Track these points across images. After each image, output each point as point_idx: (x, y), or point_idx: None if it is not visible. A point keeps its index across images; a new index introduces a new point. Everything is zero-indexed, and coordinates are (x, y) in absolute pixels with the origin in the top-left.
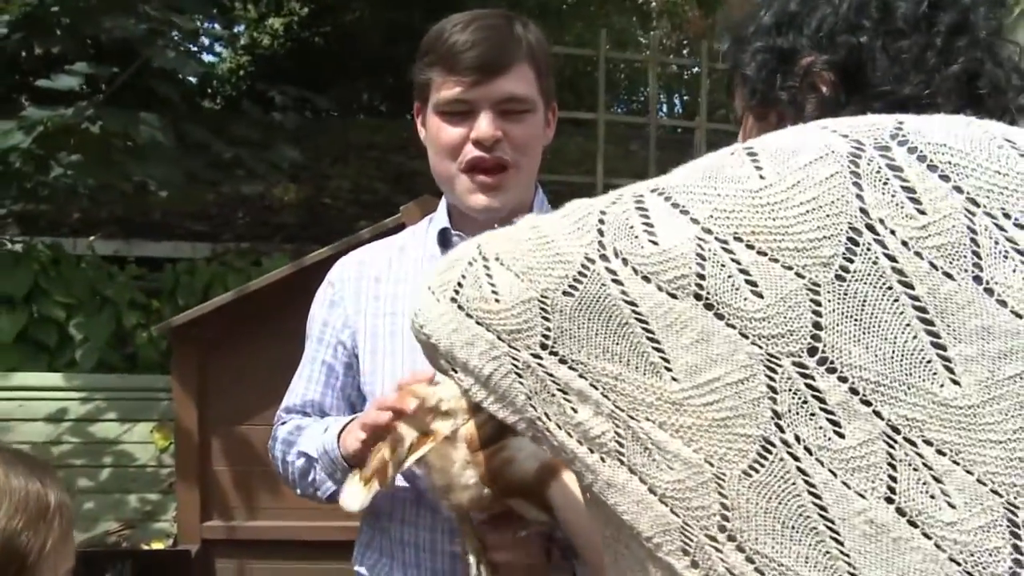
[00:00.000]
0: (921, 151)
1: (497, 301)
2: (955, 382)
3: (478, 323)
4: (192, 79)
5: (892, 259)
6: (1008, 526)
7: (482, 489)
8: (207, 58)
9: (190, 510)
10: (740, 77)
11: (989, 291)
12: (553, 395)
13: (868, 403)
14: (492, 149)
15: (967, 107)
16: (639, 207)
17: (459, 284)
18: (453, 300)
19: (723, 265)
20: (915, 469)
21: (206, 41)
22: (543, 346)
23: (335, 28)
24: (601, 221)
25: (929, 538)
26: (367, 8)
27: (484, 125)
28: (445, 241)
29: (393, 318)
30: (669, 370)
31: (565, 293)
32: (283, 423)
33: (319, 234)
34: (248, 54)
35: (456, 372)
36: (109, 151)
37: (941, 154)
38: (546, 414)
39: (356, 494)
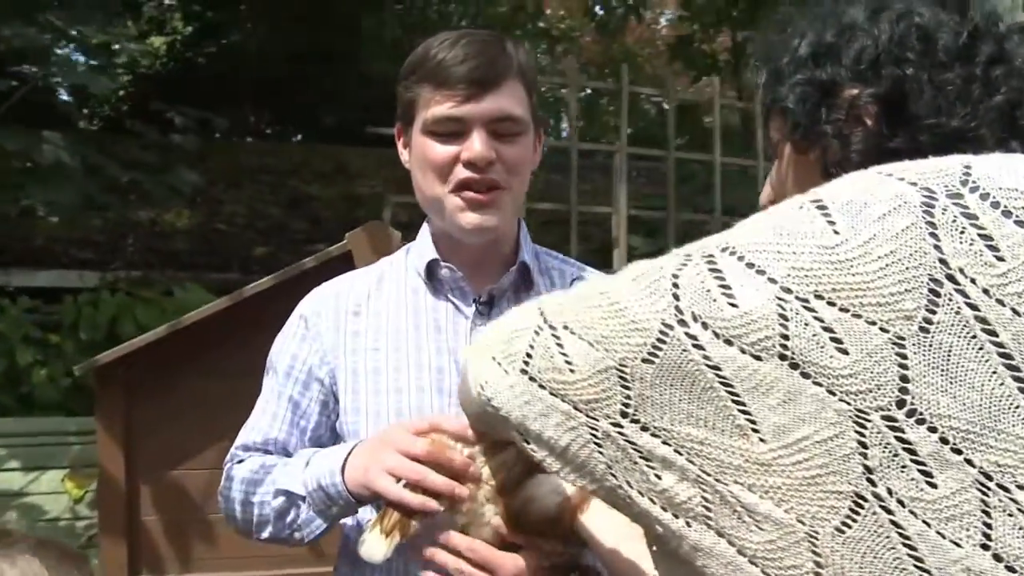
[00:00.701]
0: (994, 197)
1: (572, 371)
2: None
3: (552, 394)
4: (67, 98)
5: (974, 308)
6: None
7: (501, 525)
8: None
9: (115, 566)
10: (780, 110)
11: None
12: (635, 463)
13: (959, 451)
14: (484, 170)
15: (1010, 138)
16: (712, 269)
17: (528, 355)
18: (523, 371)
19: (807, 324)
20: (1010, 515)
21: (82, 59)
22: (623, 414)
23: (220, 49)
24: (675, 285)
25: None
26: (255, 29)
27: (477, 145)
28: (431, 273)
29: (376, 354)
30: (756, 431)
31: (645, 360)
32: (240, 461)
33: (215, 261)
34: (129, 73)
35: (528, 443)
36: (7, 173)
37: (1014, 199)
38: (628, 482)
39: (379, 546)
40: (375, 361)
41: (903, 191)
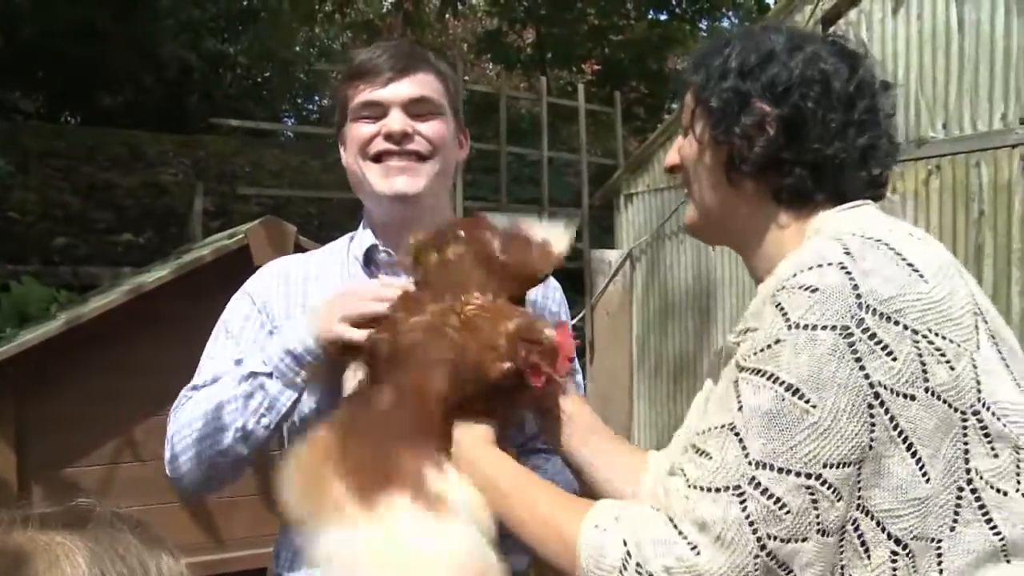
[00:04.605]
0: (880, 310)
1: None
2: (927, 479)
3: None
4: None
5: (888, 412)
6: None
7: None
8: None
9: None
10: (704, 105)
11: (934, 394)
12: None
13: (883, 529)
14: (403, 142)
15: (860, 170)
16: (746, 498)
17: None
18: None
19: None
20: None
21: None
22: None
23: None
24: (746, 513)
25: None
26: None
27: (395, 119)
28: (369, 259)
29: None
30: None
31: None
32: (188, 399)
33: (10, 252)
34: None
35: None
36: None
37: (890, 305)
38: None
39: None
40: None
41: (834, 343)
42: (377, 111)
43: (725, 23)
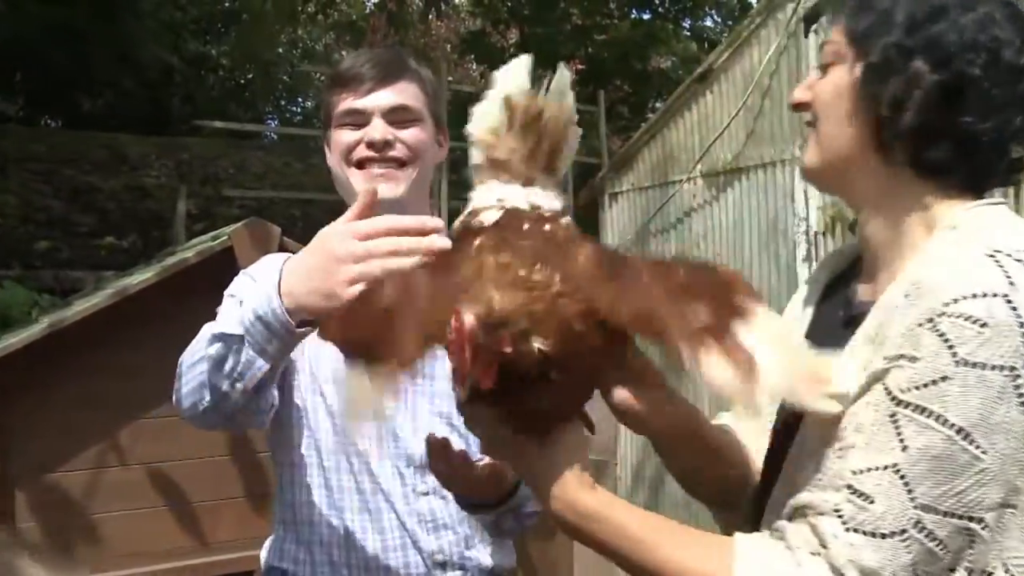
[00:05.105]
0: None
1: None
2: None
3: None
4: None
5: None
6: None
7: None
8: None
9: None
10: (858, 52)
11: None
12: None
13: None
14: (384, 150)
15: (1007, 150)
16: (911, 543)
17: None
18: None
19: None
20: None
21: None
22: None
23: None
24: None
25: None
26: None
27: (376, 128)
28: None
29: None
30: None
31: None
32: None
33: None
34: None
35: None
36: None
37: None
38: None
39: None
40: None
41: (1003, 385)
42: (359, 119)
43: (708, 22)
